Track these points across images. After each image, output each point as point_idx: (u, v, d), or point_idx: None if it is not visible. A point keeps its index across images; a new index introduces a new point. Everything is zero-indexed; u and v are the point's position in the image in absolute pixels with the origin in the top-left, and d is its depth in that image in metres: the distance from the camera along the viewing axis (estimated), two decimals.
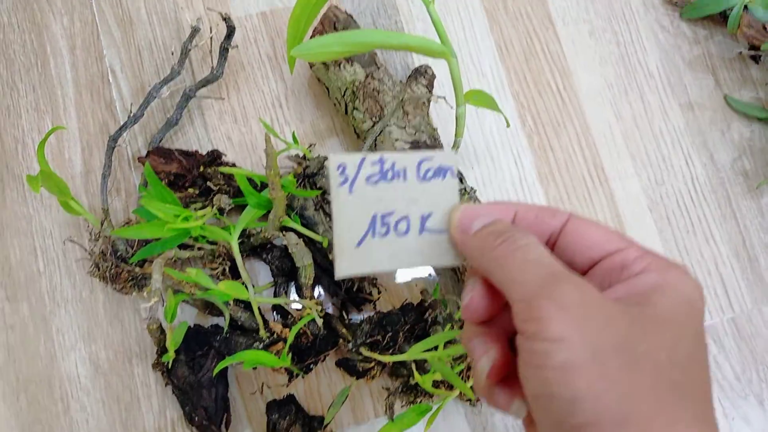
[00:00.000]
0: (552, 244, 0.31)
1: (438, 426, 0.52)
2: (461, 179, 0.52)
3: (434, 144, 0.52)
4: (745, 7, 0.58)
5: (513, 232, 0.29)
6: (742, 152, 0.59)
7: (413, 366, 0.49)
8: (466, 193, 0.51)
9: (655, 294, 0.28)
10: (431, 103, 0.54)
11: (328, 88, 0.55)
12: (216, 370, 0.47)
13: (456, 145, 0.45)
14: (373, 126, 0.52)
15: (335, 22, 0.53)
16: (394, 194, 0.33)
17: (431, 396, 0.51)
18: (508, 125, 0.48)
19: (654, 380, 0.25)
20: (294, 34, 0.45)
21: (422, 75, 0.54)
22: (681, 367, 0.26)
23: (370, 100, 0.52)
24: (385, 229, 0.33)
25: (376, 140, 0.52)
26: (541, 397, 0.26)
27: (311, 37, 0.51)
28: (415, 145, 0.51)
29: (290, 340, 0.48)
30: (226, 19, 0.54)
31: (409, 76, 0.54)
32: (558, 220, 0.31)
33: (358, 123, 0.53)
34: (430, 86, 0.54)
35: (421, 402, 0.51)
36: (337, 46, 0.42)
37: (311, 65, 0.55)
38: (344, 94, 0.53)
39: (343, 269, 0.32)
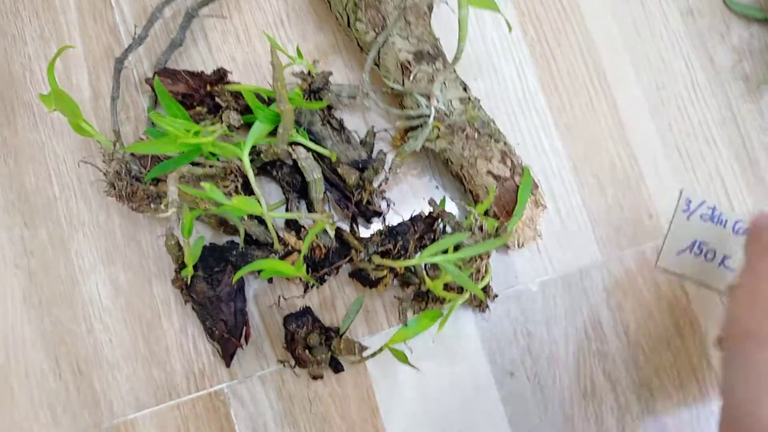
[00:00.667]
0: None
1: (448, 331, 0.55)
2: (465, 88, 0.53)
3: (437, 54, 0.52)
4: None
5: None
6: (741, 55, 0.59)
7: (424, 272, 0.51)
8: (470, 102, 0.52)
9: None
10: (432, 12, 0.54)
11: (329, 2, 0.55)
12: (235, 278, 0.48)
13: (459, 52, 0.46)
14: (376, 37, 0.52)
15: None
16: (713, 233, 0.55)
17: (442, 302, 0.53)
18: (510, 30, 0.49)
19: None
20: None
21: None
22: None
23: (372, 10, 0.52)
24: (699, 252, 0.55)
25: (379, 52, 0.52)
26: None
27: None
28: (418, 56, 0.51)
29: (304, 249, 0.50)
30: None
31: None
32: None
33: (361, 35, 0.53)
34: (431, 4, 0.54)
35: (432, 308, 0.53)
36: None
37: None
38: (346, 6, 0.53)
39: (665, 263, 0.56)
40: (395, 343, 0.50)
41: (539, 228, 0.53)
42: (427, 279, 0.49)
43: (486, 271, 0.51)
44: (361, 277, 0.53)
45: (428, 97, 0.51)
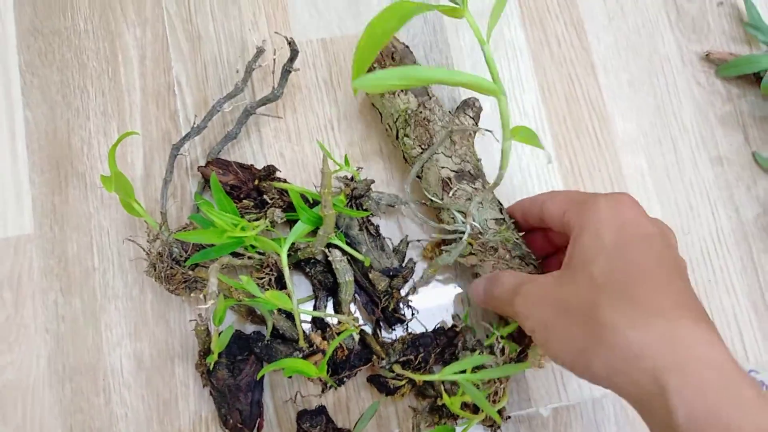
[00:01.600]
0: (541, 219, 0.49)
1: None
2: (501, 210, 0.55)
3: (477, 174, 0.55)
4: None
5: (492, 281, 0.49)
6: (766, 208, 0.62)
7: (441, 387, 0.52)
8: (505, 223, 0.54)
9: (575, 246, 0.41)
10: (477, 135, 0.58)
11: (381, 114, 0.58)
12: (260, 375, 0.50)
13: (499, 178, 0.49)
14: (421, 153, 0.55)
15: (393, 53, 0.57)
16: None
17: (456, 419, 0.54)
18: (550, 162, 0.52)
19: (581, 319, 0.38)
20: (360, 63, 0.48)
21: (470, 107, 0.57)
22: (604, 285, 0.37)
23: (420, 128, 0.55)
24: None
25: (423, 166, 0.55)
26: None
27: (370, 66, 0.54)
28: (460, 174, 0.54)
29: (329, 352, 0.51)
30: (291, 43, 0.57)
31: (458, 108, 0.57)
32: (536, 205, 0.49)
33: (408, 149, 0.56)
34: (476, 118, 0.57)
35: (445, 423, 0.54)
36: (396, 79, 0.45)
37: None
38: (396, 121, 0.56)
39: None
40: None
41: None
42: (445, 395, 0.51)
43: (503, 394, 0.52)
44: (378, 383, 0.54)
45: (465, 215, 0.53)
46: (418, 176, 0.56)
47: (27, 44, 0.61)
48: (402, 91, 0.56)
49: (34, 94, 0.60)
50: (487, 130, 0.53)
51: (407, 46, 0.58)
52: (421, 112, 0.55)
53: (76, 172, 0.59)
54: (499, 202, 0.55)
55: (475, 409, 0.52)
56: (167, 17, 0.62)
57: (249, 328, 0.56)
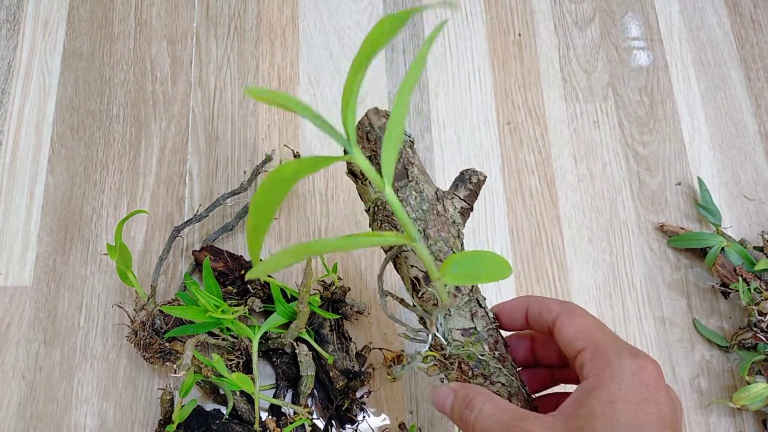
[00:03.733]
0: (551, 333, 0.43)
1: None
2: (473, 317, 0.47)
3: None
4: (723, 249, 0.71)
5: (471, 397, 0.42)
6: (700, 372, 0.69)
7: None
8: (473, 335, 0.46)
9: (588, 398, 0.38)
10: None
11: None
12: None
13: (442, 308, 0.45)
14: (390, 249, 0.49)
15: (368, 133, 0.49)
16: None
17: None
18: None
19: None
20: (253, 244, 0.32)
21: (466, 182, 0.50)
22: None
23: (386, 223, 0.49)
24: None
25: (395, 263, 0.50)
26: None
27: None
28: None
29: None
30: (296, 155, 0.66)
31: (453, 183, 0.50)
32: (551, 316, 0.43)
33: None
34: (475, 192, 0.50)
35: None
36: (289, 258, 0.33)
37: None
38: (369, 210, 0.51)
39: None
40: None
41: None
42: None
43: None
44: None
45: (427, 323, 0.47)
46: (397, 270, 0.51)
47: (63, 118, 0.70)
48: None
49: (59, 163, 0.68)
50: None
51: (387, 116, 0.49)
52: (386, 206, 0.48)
53: (82, 237, 0.66)
54: (479, 305, 0.47)
55: None
56: (192, 116, 0.71)
57: (209, 406, 0.61)
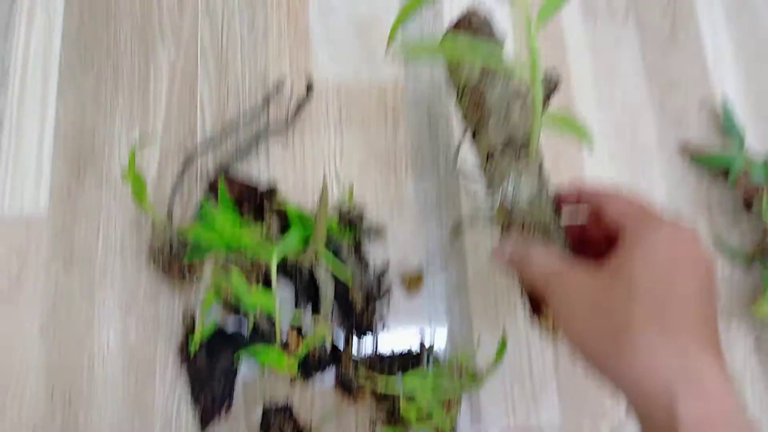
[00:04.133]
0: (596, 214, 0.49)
1: None
2: (540, 189, 0.52)
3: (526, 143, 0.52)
4: (746, 168, 0.70)
5: (529, 246, 0.48)
6: (722, 287, 0.69)
7: (401, 396, 0.58)
8: (540, 201, 0.52)
9: (628, 256, 0.42)
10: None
11: (450, 72, 0.57)
12: (236, 356, 0.55)
13: (531, 156, 0.51)
14: (479, 119, 0.54)
15: (471, 19, 0.56)
16: None
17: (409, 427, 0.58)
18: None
19: (612, 323, 0.40)
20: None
21: (546, 81, 0.55)
22: (643, 301, 0.40)
23: (473, 104, 0.54)
24: None
25: (474, 134, 0.55)
26: None
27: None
28: (507, 145, 0.52)
29: (303, 351, 0.57)
30: (309, 83, 0.66)
31: None
32: (602, 195, 0.48)
33: (462, 118, 0.57)
34: (550, 94, 0.56)
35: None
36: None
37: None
38: (457, 88, 0.57)
39: None
40: None
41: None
42: (402, 401, 0.56)
43: (456, 406, 0.57)
44: (344, 384, 0.60)
45: (500, 186, 0.52)
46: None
47: (69, 49, 0.69)
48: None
49: (69, 93, 0.68)
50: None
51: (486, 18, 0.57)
52: (478, 89, 0.54)
53: (95, 165, 0.66)
54: (542, 178, 0.52)
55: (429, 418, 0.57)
56: (200, 44, 0.70)
57: (231, 320, 0.62)
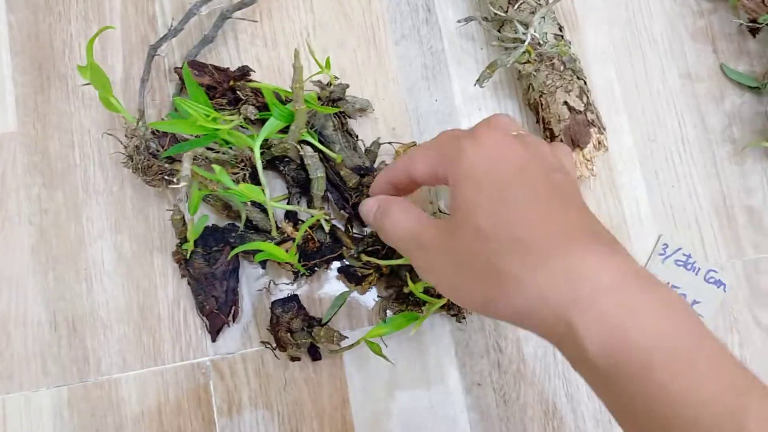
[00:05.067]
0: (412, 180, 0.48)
1: (424, 337, 0.60)
2: (560, 28, 0.62)
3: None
4: None
5: (383, 208, 0.48)
6: (732, 119, 0.66)
7: (407, 276, 0.57)
8: (563, 39, 0.61)
9: (454, 198, 0.42)
10: None
11: None
12: (232, 253, 0.54)
13: None
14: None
15: None
16: (686, 279, 0.62)
17: (421, 306, 0.58)
18: None
19: (478, 270, 0.39)
20: None
21: None
22: (493, 235, 0.38)
23: None
24: None
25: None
26: None
27: None
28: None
29: (299, 238, 0.56)
30: None
31: None
32: (401, 170, 0.49)
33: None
34: None
35: (410, 310, 0.58)
36: None
37: None
38: None
39: None
40: (372, 337, 0.55)
41: (595, 168, 0.59)
42: (409, 281, 0.55)
43: None
44: (348, 273, 0.59)
45: (527, 26, 0.59)
46: None
47: None
48: None
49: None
50: None
51: None
52: None
53: (58, 73, 0.63)
54: (558, 23, 0.62)
55: (439, 296, 0.57)
56: None
57: (224, 223, 0.61)
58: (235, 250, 0.54)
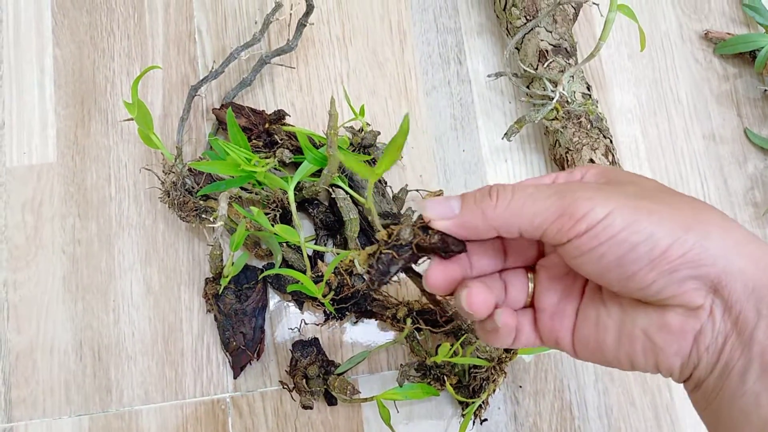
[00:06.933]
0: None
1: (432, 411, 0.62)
2: (588, 87, 0.65)
3: (572, 52, 0.65)
4: None
5: (496, 187, 0.36)
6: (754, 183, 0.68)
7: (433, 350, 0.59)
8: (590, 98, 0.64)
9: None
10: (577, 18, 0.68)
11: None
12: (263, 274, 0.57)
13: (597, 49, 0.57)
14: (525, 23, 0.64)
15: None
16: None
17: (441, 383, 0.59)
18: (642, 49, 0.58)
19: (679, 202, 0.34)
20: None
21: None
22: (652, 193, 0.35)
23: (528, 0, 0.65)
24: None
25: (523, 38, 0.65)
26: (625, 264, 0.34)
27: None
28: (557, 49, 0.64)
29: (328, 273, 0.57)
30: (308, 0, 0.64)
31: None
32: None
33: (513, 19, 0.65)
34: (578, 7, 0.67)
35: (429, 383, 0.59)
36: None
37: None
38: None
39: None
40: (386, 399, 0.56)
41: None
42: (448, 384, 0.57)
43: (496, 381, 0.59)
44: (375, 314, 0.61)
45: (555, 84, 0.62)
46: (516, 48, 0.66)
47: None
48: None
49: (64, 34, 0.67)
50: (594, 3, 0.64)
51: None
52: None
53: (99, 108, 0.66)
54: (587, 81, 0.65)
55: (471, 393, 0.59)
56: None
57: (255, 262, 0.63)
58: (268, 272, 0.57)
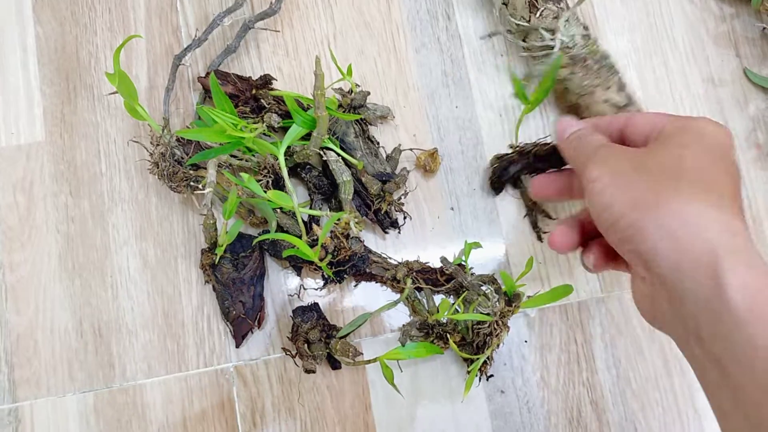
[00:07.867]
0: (622, 135, 0.50)
1: (437, 370, 0.62)
2: (585, 27, 0.63)
3: None
4: None
5: (584, 132, 0.50)
6: (756, 124, 0.67)
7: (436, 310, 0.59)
8: (590, 38, 0.62)
9: (670, 133, 0.45)
10: None
11: None
12: (257, 239, 0.57)
13: None
14: None
15: None
16: None
17: (445, 341, 0.59)
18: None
19: (657, 179, 0.41)
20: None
21: None
22: (689, 170, 0.41)
23: None
24: None
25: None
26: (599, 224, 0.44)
27: None
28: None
29: (323, 236, 0.57)
30: None
31: None
32: (622, 118, 0.50)
33: None
34: None
35: (432, 341, 0.59)
36: None
37: None
38: None
39: None
40: (389, 359, 0.56)
41: None
42: (451, 341, 0.57)
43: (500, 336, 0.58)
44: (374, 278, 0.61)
45: (553, 32, 0.61)
46: (504, 3, 0.64)
47: None
48: None
49: (45, 11, 0.67)
50: None
51: None
52: None
53: (84, 84, 0.66)
54: (582, 22, 0.63)
55: (475, 349, 0.58)
56: None
57: (249, 229, 0.63)
58: (264, 236, 0.56)
